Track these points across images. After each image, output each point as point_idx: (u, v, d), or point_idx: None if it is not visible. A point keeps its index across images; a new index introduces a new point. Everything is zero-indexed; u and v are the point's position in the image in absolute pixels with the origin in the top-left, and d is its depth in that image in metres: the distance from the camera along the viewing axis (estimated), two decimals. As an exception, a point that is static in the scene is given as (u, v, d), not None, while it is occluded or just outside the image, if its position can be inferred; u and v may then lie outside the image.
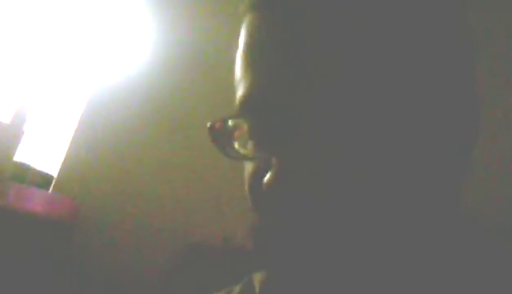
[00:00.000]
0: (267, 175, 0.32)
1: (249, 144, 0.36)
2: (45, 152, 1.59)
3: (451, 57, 0.35)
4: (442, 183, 0.35)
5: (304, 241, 0.33)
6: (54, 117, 1.65)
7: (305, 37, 0.32)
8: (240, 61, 0.37)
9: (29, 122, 1.53)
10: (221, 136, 0.37)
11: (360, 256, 0.33)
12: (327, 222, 0.32)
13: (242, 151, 0.37)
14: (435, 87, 0.33)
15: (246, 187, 0.37)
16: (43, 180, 1.48)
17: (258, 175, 0.34)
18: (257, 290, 0.45)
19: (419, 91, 0.32)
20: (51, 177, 1.51)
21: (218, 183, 1.61)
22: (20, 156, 1.47)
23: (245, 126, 0.36)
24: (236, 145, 0.37)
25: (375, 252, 0.33)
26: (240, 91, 0.36)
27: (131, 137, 1.61)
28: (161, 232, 1.53)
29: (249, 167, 0.37)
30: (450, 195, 0.36)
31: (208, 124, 0.38)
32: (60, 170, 1.53)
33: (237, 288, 0.47)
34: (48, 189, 1.48)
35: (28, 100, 1.55)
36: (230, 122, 0.37)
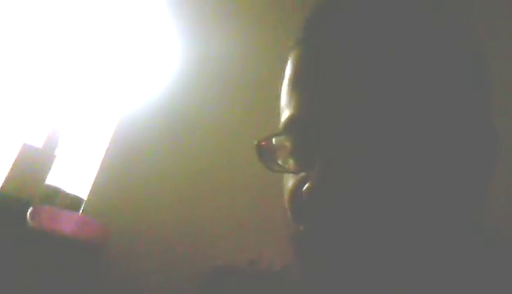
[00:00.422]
0: (308, 183, 0.37)
1: (291, 160, 0.42)
2: (75, 175, 1.62)
3: (466, 89, 0.40)
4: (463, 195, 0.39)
5: (339, 243, 0.37)
6: (84, 140, 1.69)
7: (340, 69, 0.39)
8: (286, 88, 0.43)
9: (61, 146, 1.57)
10: (266, 153, 0.43)
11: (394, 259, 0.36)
12: (361, 226, 0.36)
13: (285, 166, 0.43)
14: (450, 113, 0.38)
15: (287, 199, 0.42)
16: (73, 203, 1.50)
17: (298, 188, 0.39)
18: None
19: (435, 119, 0.37)
20: (81, 200, 1.54)
21: (244, 207, 1.61)
22: (52, 179, 1.50)
23: (289, 144, 0.42)
24: (280, 161, 0.43)
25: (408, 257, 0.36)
26: (285, 114, 0.41)
27: (159, 161, 1.63)
28: (188, 255, 1.53)
29: (289, 181, 0.42)
30: (470, 209, 0.40)
31: (255, 142, 0.43)
32: (90, 193, 1.55)
33: None
34: (78, 212, 1.50)
35: (59, 124, 1.59)
36: (274, 141, 0.43)
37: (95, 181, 1.58)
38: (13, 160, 1.46)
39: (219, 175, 1.64)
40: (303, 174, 0.40)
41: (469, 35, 0.43)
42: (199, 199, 1.61)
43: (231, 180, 1.64)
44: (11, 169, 1.45)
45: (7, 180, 1.43)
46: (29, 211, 1.29)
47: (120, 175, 1.60)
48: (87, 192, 1.55)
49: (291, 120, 0.41)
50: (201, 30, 1.76)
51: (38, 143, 1.53)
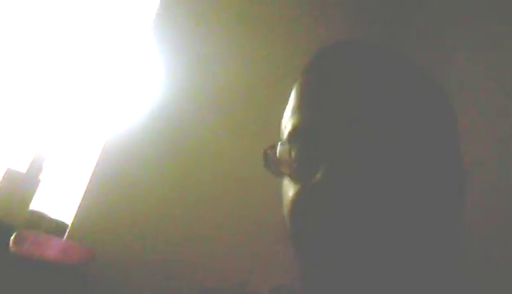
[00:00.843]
0: (310, 190, 0.42)
1: (295, 167, 0.47)
2: (60, 200, 1.61)
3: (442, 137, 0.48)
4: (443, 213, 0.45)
5: (340, 248, 0.40)
6: (68, 165, 1.68)
7: (339, 93, 0.45)
8: (291, 106, 0.49)
9: (45, 170, 1.56)
10: (271, 160, 0.49)
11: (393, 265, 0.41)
12: (360, 231, 0.40)
13: (289, 172, 0.47)
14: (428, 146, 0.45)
15: (289, 205, 0.46)
16: (58, 228, 1.48)
17: (300, 195, 0.44)
18: None
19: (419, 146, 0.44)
20: (66, 225, 1.52)
21: (233, 228, 1.62)
22: (36, 204, 1.49)
23: (293, 153, 0.47)
24: (284, 168, 0.48)
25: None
26: (290, 125, 0.48)
27: (144, 186, 1.63)
28: (176, 278, 1.52)
29: (290, 190, 0.46)
30: (449, 226, 0.46)
31: (262, 150, 0.49)
32: (75, 218, 1.54)
33: None
34: (62, 237, 1.48)
35: (44, 149, 1.58)
36: (279, 148, 0.49)
37: (79, 206, 1.56)
38: (-4, 185, 1.44)
39: (207, 200, 1.65)
40: (304, 183, 0.44)
41: (444, 95, 0.52)
42: (185, 224, 1.61)
43: (219, 204, 1.65)
44: (-5, 194, 1.43)
45: (-10, 206, 1.41)
46: (13, 236, 1.27)
47: (105, 200, 1.59)
48: (72, 217, 1.54)
49: (296, 130, 0.46)
50: (188, 54, 1.79)
51: (21, 168, 1.52)
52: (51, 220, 1.49)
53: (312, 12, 1.96)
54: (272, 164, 0.49)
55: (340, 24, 1.95)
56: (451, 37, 1.61)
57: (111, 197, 1.59)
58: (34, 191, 1.50)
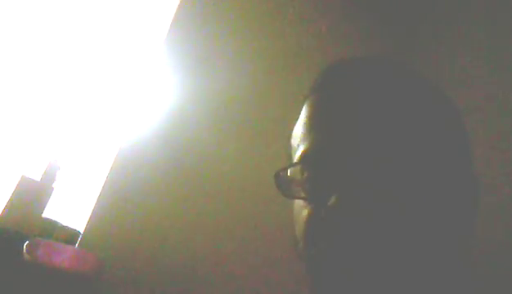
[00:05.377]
0: (324, 211, 0.43)
1: (307, 188, 0.47)
2: (73, 208, 1.62)
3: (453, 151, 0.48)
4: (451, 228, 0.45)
5: (352, 267, 0.41)
6: (82, 174, 1.70)
7: (348, 113, 0.46)
8: (302, 127, 0.50)
9: (59, 179, 1.58)
10: (283, 182, 0.50)
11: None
12: (371, 250, 0.41)
13: (302, 192, 0.48)
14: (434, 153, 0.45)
15: (302, 226, 0.47)
16: (70, 236, 1.50)
17: (312, 216, 0.45)
18: None
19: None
20: (78, 233, 1.53)
21: (247, 235, 1.61)
22: (49, 212, 1.50)
23: (305, 174, 0.48)
24: (295, 190, 0.49)
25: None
26: (302, 147, 0.48)
27: (156, 194, 1.64)
28: (187, 287, 1.52)
29: (303, 211, 0.47)
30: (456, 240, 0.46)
31: (275, 173, 0.50)
32: (87, 226, 1.55)
33: None
34: (75, 244, 1.49)
35: (58, 157, 1.60)
36: (290, 172, 0.49)
37: (92, 215, 1.58)
38: (11, 192, 1.46)
39: (219, 208, 1.65)
40: (317, 204, 0.45)
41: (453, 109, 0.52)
42: (197, 234, 1.61)
43: (230, 213, 1.65)
44: (9, 201, 1.45)
45: (5, 213, 1.43)
46: (26, 244, 1.28)
47: (117, 208, 1.60)
48: (84, 225, 1.55)
49: (309, 152, 0.47)
50: (204, 62, 1.81)
51: (36, 176, 1.54)
52: (63, 228, 1.50)
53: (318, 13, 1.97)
54: (284, 185, 0.50)
55: (343, 26, 1.95)
56: (454, 37, 1.60)
57: (123, 205, 1.60)
58: (48, 199, 1.52)
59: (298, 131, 0.51)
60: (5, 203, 1.44)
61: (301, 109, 0.53)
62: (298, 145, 0.50)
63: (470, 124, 0.56)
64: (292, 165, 0.50)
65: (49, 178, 1.56)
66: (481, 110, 1.32)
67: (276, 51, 1.91)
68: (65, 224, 1.53)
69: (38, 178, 1.54)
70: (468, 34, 1.55)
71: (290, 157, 0.54)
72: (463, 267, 0.46)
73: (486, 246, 1.06)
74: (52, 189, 1.54)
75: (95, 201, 1.60)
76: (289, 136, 0.55)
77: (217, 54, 1.84)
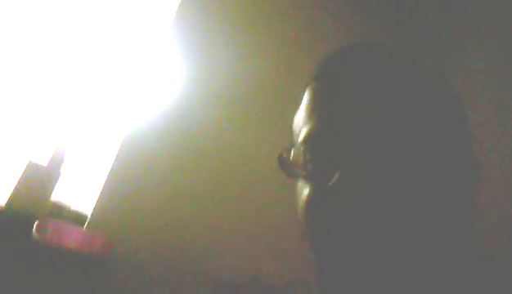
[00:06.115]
0: (327, 189, 0.44)
1: (310, 167, 0.49)
2: (80, 191, 1.65)
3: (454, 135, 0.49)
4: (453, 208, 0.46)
5: (355, 246, 0.42)
6: (89, 157, 1.72)
7: (349, 96, 0.47)
8: (305, 110, 0.52)
9: (66, 163, 1.60)
10: (287, 162, 0.51)
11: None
12: (375, 230, 0.42)
13: (304, 172, 0.49)
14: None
15: (304, 205, 0.48)
16: (78, 219, 1.52)
17: (314, 195, 0.46)
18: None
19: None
20: (85, 216, 1.55)
21: (249, 223, 1.63)
22: (57, 195, 1.53)
23: (308, 154, 0.49)
24: (299, 170, 0.49)
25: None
26: (306, 128, 0.49)
27: (163, 177, 1.65)
28: (191, 270, 1.54)
29: (304, 190, 0.48)
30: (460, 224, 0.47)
31: (278, 154, 0.52)
32: (94, 209, 1.57)
33: None
34: (83, 227, 1.51)
35: (64, 143, 1.62)
36: (294, 151, 0.51)
37: (99, 198, 1.60)
38: (18, 178, 1.48)
39: (224, 191, 1.66)
40: (319, 184, 0.46)
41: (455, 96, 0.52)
42: (203, 215, 1.63)
43: (236, 195, 1.66)
44: (17, 187, 1.47)
45: (13, 197, 1.45)
46: (35, 225, 1.31)
47: (124, 191, 1.62)
48: (92, 208, 1.57)
49: (312, 134, 0.48)
50: (208, 49, 1.82)
51: (43, 161, 1.56)
52: (71, 211, 1.52)
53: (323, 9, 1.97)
54: (287, 166, 0.51)
55: (349, 20, 1.95)
56: (462, 34, 1.60)
57: (130, 188, 1.62)
58: (55, 184, 1.54)
59: (300, 115, 0.53)
60: (13, 189, 1.46)
61: (303, 95, 0.54)
62: (301, 129, 0.51)
63: (473, 118, 0.56)
64: (295, 146, 0.51)
65: (56, 163, 1.58)
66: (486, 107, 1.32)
67: (281, 37, 1.92)
68: (72, 207, 1.55)
69: (45, 163, 1.56)
70: (469, 26, 1.55)
71: (293, 142, 0.55)
72: (463, 250, 0.47)
73: (486, 237, 1.07)
74: (59, 173, 1.56)
75: (102, 185, 1.62)
76: (292, 122, 0.56)
77: (223, 39, 1.84)
